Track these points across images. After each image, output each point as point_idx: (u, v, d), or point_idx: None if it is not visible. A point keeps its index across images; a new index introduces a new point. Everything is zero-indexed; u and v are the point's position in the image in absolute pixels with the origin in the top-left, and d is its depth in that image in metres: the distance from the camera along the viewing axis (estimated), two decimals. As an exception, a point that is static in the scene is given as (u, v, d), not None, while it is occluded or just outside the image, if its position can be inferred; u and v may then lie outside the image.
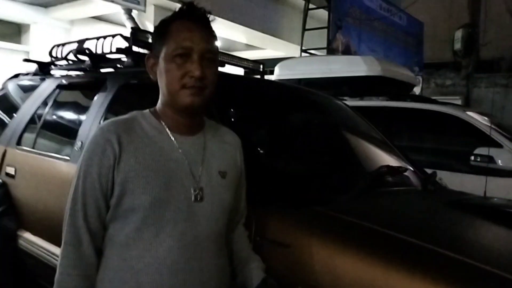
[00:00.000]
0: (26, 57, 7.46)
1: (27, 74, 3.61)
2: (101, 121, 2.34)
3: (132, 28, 2.60)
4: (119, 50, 2.58)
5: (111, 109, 2.36)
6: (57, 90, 2.90)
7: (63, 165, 2.44)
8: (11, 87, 3.69)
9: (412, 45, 11.06)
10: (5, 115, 3.49)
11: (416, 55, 10.89)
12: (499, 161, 3.37)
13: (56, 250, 2.43)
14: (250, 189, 1.43)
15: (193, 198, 1.18)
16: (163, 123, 1.23)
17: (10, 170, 2.86)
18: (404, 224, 1.50)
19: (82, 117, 2.50)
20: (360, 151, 2.22)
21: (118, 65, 2.80)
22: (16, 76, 3.75)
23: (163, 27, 1.24)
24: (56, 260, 2.35)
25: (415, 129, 4.05)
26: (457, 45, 7.64)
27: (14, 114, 3.23)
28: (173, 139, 1.22)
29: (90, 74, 2.87)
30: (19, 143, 2.93)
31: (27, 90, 3.42)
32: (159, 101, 1.26)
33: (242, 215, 1.41)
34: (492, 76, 7.60)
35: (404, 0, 10.46)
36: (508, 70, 10.11)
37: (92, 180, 1.16)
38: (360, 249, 1.29)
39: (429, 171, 2.31)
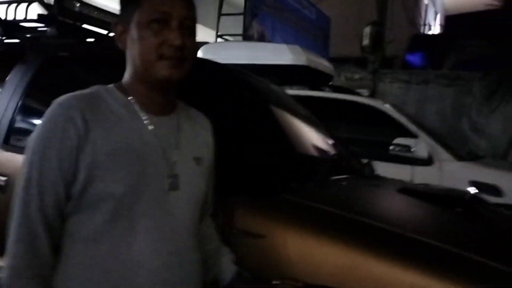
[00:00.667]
0: None
1: None
2: (19, 102, 2.04)
3: (56, -7, 2.30)
4: (41, 18, 2.26)
5: (34, 88, 2.07)
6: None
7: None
8: None
9: (320, 38, 11.52)
10: None
11: (324, 49, 11.37)
12: (415, 150, 3.62)
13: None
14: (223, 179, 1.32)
15: (167, 186, 1.04)
16: (133, 100, 1.07)
17: None
18: (373, 210, 1.52)
19: (-4, 93, 2.15)
20: (309, 138, 2.20)
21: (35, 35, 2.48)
22: None
23: None
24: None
25: (338, 119, 4.19)
26: (365, 41, 8.10)
27: None
28: (144, 119, 1.06)
29: (1, 43, 2.49)
30: None
31: None
32: (127, 74, 1.09)
33: (210, 205, 1.28)
34: (396, 72, 8.21)
35: (315, -5, 10.81)
36: (402, 67, 11.04)
37: (50, 164, 0.97)
38: (338, 236, 1.27)
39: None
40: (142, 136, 1.03)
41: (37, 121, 2.13)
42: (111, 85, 1.10)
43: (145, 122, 1.05)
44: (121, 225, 0.98)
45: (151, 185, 1.02)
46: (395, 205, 1.70)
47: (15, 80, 2.11)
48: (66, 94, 1.03)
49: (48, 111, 1.02)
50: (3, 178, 1.90)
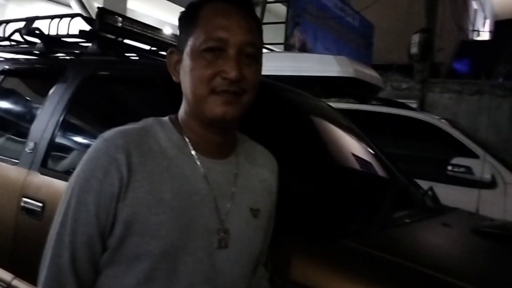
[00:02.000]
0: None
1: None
2: (62, 119, 1.94)
3: (98, 8, 2.20)
4: (83, 33, 2.17)
5: (74, 105, 1.97)
6: (3, 76, 2.43)
7: (9, 169, 2.02)
8: None
9: (363, 46, 11.20)
10: None
11: (366, 57, 11.05)
12: (476, 171, 3.32)
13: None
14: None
15: (216, 244, 0.88)
16: (187, 139, 0.92)
17: None
18: (448, 261, 1.29)
19: (35, 113, 2.08)
20: (367, 167, 1.98)
21: (77, 51, 2.40)
22: None
23: (190, 12, 0.92)
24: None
25: (390, 135, 3.94)
26: (414, 49, 7.73)
27: None
28: (198, 163, 0.90)
29: (43, 59, 2.43)
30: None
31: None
32: (182, 109, 0.95)
33: (264, 255, 1.10)
34: (446, 82, 7.78)
35: (359, 2, 10.53)
36: (449, 75, 10.52)
37: (87, 210, 0.85)
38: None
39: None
40: (194, 184, 0.88)
41: (76, 144, 2.06)
42: (166, 118, 0.96)
43: (199, 167, 0.90)
44: (157, 287, 0.85)
45: (197, 242, 0.87)
46: (474, 253, 1.43)
47: (56, 96, 2.02)
48: (114, 129, 0.90)
49: (92, 148, 0.89)
50: (40, 204, 1.80)
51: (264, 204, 0.99)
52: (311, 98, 2.37)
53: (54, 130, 1.94)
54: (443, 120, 3.92)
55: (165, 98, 1.75)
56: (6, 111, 2.44)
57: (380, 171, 1.99)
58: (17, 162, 2.00)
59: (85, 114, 2.03)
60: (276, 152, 1.39)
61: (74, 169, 1.92)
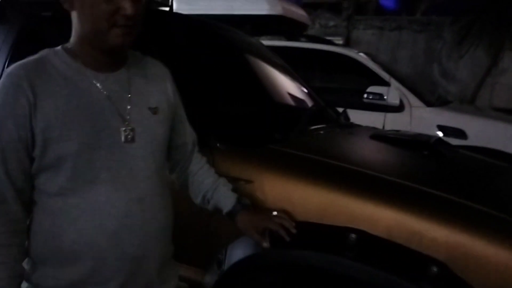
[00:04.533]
0: None
1: None
2: (7, 60, 2.08)
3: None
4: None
5: (19, 46, 2.10)
6: None
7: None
8: None
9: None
10: None
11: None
12: (387, 97, 3.80)
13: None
14: (202, 131, 1.45)
15: (123, 139, 1.11)
16: (80, 61, 1.11)
17: None
18: (348, 155, 1.69)
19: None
20: (287, 89, 2.34)
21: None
22: None
23: None
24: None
25: (314, 69, 4.31)
26: (340, -14, 8.05)
27: None
28: (92, 77, 1.10)
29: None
30: None
31: None
32: (74, 36, 1.12)
33: (193, 145, 1.38)
34: (369, 19, 8.25)
35: None
36: (376, 12, 11.03)
37: (9, 132, 1.05)
38: (318, 179, 1.45)
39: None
40: (92, 95, 1.09)
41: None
42: (59, 47, 1.14)
43: (94, 81, 1.11)
44: (83, 180, 1.08)
45: (106, 140, 1.08)
46: (368, 150, 1.88)
47: (-1, 41, 2.13)
48: (15, 63, 1.09)
49: (1, 83, 1.08)
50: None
51: (161, 102, 1.20)
52: (243, 35, 2.64)
53: (2, 70, 2.07)
54: (361, 54, 4.35)
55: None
56: None
57: (302, 97, 2.35)
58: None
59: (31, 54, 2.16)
60: (217, 83, 1.69)
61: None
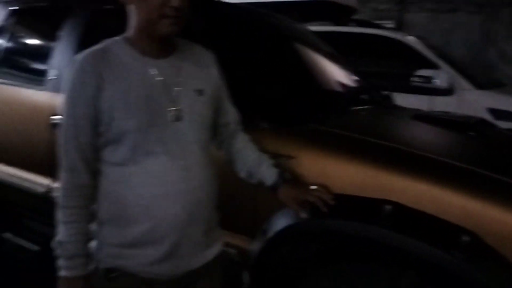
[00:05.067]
0: None
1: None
2: (76, 50, 2.31)
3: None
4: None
5: (86, 37, 2.33)
6: (12, 16, 2.75)
7: (37, 94, 2.42)
8: None
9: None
10: None
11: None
12: (437, 81, 3.76)
13: (28, 175, 2.49)
14: (248, 111, 1.59)
15: (172, 118, 1.26)
16: (137, 49, 1.28)
17: (-31, 101, 2.74)
18: (387, 134, 1.78)
19: (52, 46, 2.43)
20: (331, 72, 2.43)
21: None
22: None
23: None
24: (28, 184, 2.44)
25: (362, 53, 4.31)
26: (391, -31, 7.87)
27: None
28: (148, 63, 1.27)
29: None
30: (-23, 72, 2.79)
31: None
32: (131, 27, 1.29)
33: (236, 124, 1.52)
34: (422, 1, 8.01)
35: None
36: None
37: (79, 110, 1.23)
38: (356, 155, 1.55)
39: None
40: (147, 79, 1.25)
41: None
42: (119, 37, 1.32)
43: (149, 66, 1.27)
44: (140, 152, 1.24)
45: (158, 119, 1.25)
46: (407, 129, 1.95)
47: (68, 31, 2.38)
48: (84, 51, 1.27)
49: (72, 68, 1.27)
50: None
51: (206, 85, 1.35)
52: (287, 20, 2.74)
53: (72, 58, 2.31)
54: (410, 37, 4.30)
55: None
56: (24, 46, 2.79)
57: (344, 79, 2.44)
58: (43, 88, 2.40)
59: (96, 43, 2.38)
60: (261, 66, 1.80)
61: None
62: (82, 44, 2.31)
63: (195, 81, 1.34)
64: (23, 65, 2.73)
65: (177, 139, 1.28)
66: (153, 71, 1.27)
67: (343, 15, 5.05)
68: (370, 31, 4.35)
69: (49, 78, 2.37)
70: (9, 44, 2.73)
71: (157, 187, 1.26)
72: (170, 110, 1.27)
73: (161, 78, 1.28)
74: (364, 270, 1.51)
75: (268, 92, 1.86)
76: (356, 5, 5.43)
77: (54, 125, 2.29)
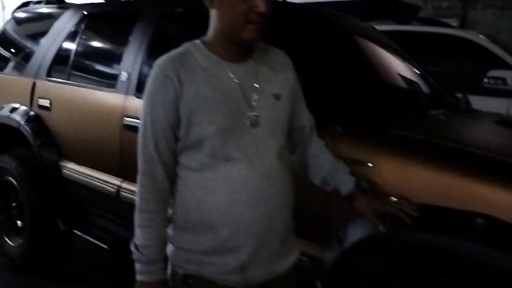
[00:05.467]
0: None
1: (38, 2, 3.48)
2: (146, 52, 2.35)
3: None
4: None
5: (156, 40, 2.36)
6: (86, 20, 2.84)
7: (108, 96, 2.48)
8: (23, 17, 3.58)
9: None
10: (22, 47, 3.42)
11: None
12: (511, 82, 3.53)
13: (99, 175, 2.56)
14: (320, 115, 1.53)
15: (250, 123, 1.24)
16: (216, 53, 1.26)
17: (44, 103, 2.87)
18: (471, 140, 1.66)
19: (123, 49, 2.49)
20: (405, 75, 2.32)
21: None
22: (26, 4, 3.61)
23: None
24: (99, 183, 2.51)
25: (429, 53, 4.13)
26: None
27: (34, 46, 3.17)
28: (227, 68, 1.25)
29: (121, 2, 2.81)
30: (49, 75, 2.91)
31: (44, 19, 3.34)
32: (212, 31, 1.27)
33: (311, 128, 1.49)
34: (489, -3, 7.61)
35: None
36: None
37: (158, 114, 1.23)
38: (440, 162, 1.46)
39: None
40: (225, 83, 1.23)
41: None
42: (198, 41, 1.30)
43: (228, 71, 1.25)
44: (218, 157, 1.22)
45: (237, 124, 1.22)
46: (494, 135, 1.81)
47: (139, 33, 2.42)
48: (163, 55, 1.26)
49: (152, 72, 1.26)
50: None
51: (284, 89, 1.32)
52: (356, 21, 2.66)
53: (142, 61, 2.36)
54: (481, 36, 4.07)
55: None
56: (96, 48, 2.88)
57: (418, 82, 2.32)
58: (114, 90, 2.46)
59: (167, 47, 2.41)
60: (335, 68, 1.74)
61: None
62: (152, 47, 2.35)
63: (273, 85, 1.31)
64: (94, 68, 2.82)
65: (255, 145, 1.25)
66: (232, 76, 1.25)
67: (407, 13, 4.87)
68: (437, 30, 4.15)
69: (120, 80, 2.42)
70: (81, 48, 2.82)
71: (235, 194, 1.23)
72: (248, 115, 1.25)
73: (240, 83, 1.25)
74: (447, 284, 1.42)
75: (340, 93, 1.80)
76: (420, 3, 5.23)
77: (126, 126, 2.34)
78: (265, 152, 1.27)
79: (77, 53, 2.80)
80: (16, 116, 2.97)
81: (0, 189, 3.14)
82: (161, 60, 1.26)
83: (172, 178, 1.30)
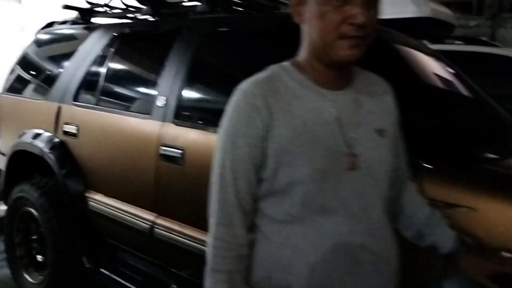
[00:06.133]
0: (19, 7, 7.00)
1: (63, 22, 3.32)
2: (186, 76, 2.14)
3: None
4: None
5: (197, 62, 2.16)
6: (116, 41, 2.66)
7: (143, 123, 2.27)
8: (47, 39, 3.42)
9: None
10: (46, 69, 3.25)
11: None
12: None
13: (130, 209, 2.33)
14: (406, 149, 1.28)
15: (349, 166, 1.00)
16: (310, 78, 1.04)
17: (71, 129, 2.67)
18: None
19: (159, 72, 2.28)
20: (483, 103, 2.06)
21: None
22: (50, 25, 3.46)
23: None
24: (130, 218, 2.28)
25: (478, 74, 3.88)
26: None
27: (59, 68, 2.99)
28: (323, 96, 1.02)
29: (155, 21, 2.62)
30: (76, 99, 2.72)
31: (70, 40, 3.17)
32: (304, 50, 1.06)
33: (405, 170, 1.23)
34: (519, 16, 7.41)
35: None
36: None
37: (241, 152, 1.01)
38: None
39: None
40: (322, 115, 1.01)
41: (205, 97, 2.26)
42: (287, 63, 1.08)
43: (324, 99, 1.02)
44: (312, 208, 0.99)
45: (334, 166, 0.99)
46: None
47: (178, 54, 2.21)
48: (247, 80, 1.04)
49: (234, 99, 1.04)
50: (179, 151, 2.04)
51: (387, 123, 1.09)
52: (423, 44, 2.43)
53: (182, 85, 2.15)
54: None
55: (283, 48, 1.90)
56: (126, 72, 2.68)
57: (492, 110, 2.06)
58: (149, 116, 2.24)
59: (209, 69, 2.21)
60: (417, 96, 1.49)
61: (208, 119, 2.13)
62: (192, 70, 2.15)
63: (376, 119, 1.07)
64: (126, 93, 2.61)
65: (357, 193, 1.01)
66: (329, 105, 1.02)
67: (441, 32, 4.66)
68: (482, 49, 3.91)
69: (156, 105, 2.21)
70: (111, 71, 2.63)
71: (333, 257, 0.99)
72: (346, 156, 1.00)
73: (337, 115, 1.02)
74: None
75: (426, 122, 1.54)
76: (454, 21, 5.01)
77: (162, 156, 2.12)
78: (369, 203, 1.03)
79: (107, 76, 2.60)
80: (40, 143, 2.77)
81: (20, 220, 2.92)
82: (245, 85, 1.03)
83: (249, 230, 1.05)
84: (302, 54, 1.06)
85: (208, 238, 1.05)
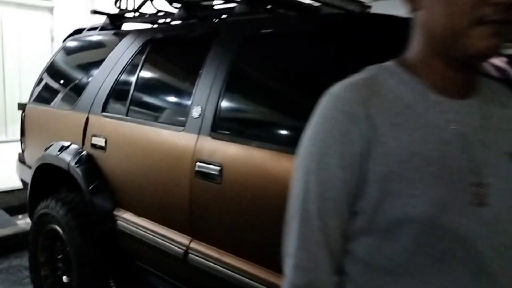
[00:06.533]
0: (50, 14, 7.00)
1: (93, 29, 3.17)
2: (225, 84, 1.92)
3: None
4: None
5: (238, 67, 1.94)
6: (147, 47, 2.47)
7: (176, 136, 2.06)
8: (75, 46, 3.27)
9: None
10: (74, 78, 3.10)
11: None
12: None
13: (161, 230, 2.12)
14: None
15: (476, 200, 0.75)
16: (423, 81, 0.78)
17: (99, 141, 2.49)
18: None
19: (194, 80, 2.07)
20: None
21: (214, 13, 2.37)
22: (78, 32, 3.32)
23: None
24: (161, 241, 2.07)
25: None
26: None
27: (87, 77, 2.83)
28: (442, 106, 0.77)
29: (190, 25, 2.42)
30: (105, 110, 2.54)
31: (99, 47, 3.01)
32: (417, 45, 0.80)
33: None
34: None
35: None
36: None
37: (331, 175, 0.76)
38: None
39: None
40: (440, 131, 0.76)
41: (247, 107, 2.03)
42: (390, 63, 0.83)
43: (441, 111, 0.77)
44: (426, 255, 0.74)
45: (456, 199, 0.74)
46: None
47: (216, 60, 2.00)
48: (341, 82, 0.80)
49: (323, 106, 0.79)
50: (217, 168, 1.82)
51: None
52: None
53: (219, 94, 1.93)
54: None
55: (332, 50, 1.66)
56: (159, 81, 2.49)
57: None
58: (182, 128, 2.03)
59: (252, 75, 1.99)
60: None
61: (249, 132, 1.88)
62: (232, 77, 1.93)
63: (507, 139, 0.81)
64: (158, 103, 2.41)
65: (487, 237, 0.75)
66: (450, 119, 0.77)
67: None
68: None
69: (191, 117, 2.00)
70: (143, 79, 2.44)
71: None
72: (473, 187, 0.75)
73: (461, 132, 0.76)
74: None
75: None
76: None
77: (198, 173, 1.90)
78: (503, 252, 0.76)
79: (138, 86, 2.40)
80: (66, 156, 2.60)
81: (45, 238, 2.76)
82: (338, 89, 0.79)
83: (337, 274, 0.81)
84: (414, 50, 0.81)
85: (283, 284, 0.81)
